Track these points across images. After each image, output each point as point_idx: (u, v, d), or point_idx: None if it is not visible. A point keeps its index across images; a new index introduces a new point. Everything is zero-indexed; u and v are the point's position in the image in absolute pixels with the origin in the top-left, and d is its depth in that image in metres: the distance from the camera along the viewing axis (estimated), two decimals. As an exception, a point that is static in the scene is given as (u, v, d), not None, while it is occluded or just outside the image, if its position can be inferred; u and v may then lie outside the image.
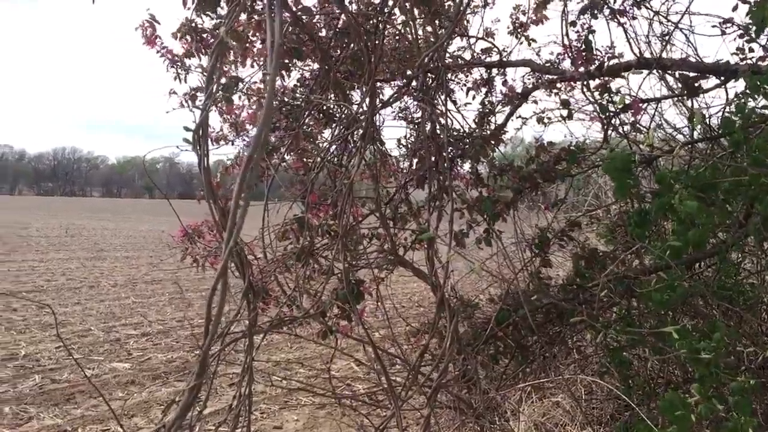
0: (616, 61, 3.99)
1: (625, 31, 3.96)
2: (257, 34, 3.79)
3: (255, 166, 0.92)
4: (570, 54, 3.86)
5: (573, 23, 3.79)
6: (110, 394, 6.09)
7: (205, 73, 4.19)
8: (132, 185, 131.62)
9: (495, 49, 4.40)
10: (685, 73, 3.72)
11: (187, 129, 1.60)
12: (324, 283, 2.60)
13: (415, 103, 4.04)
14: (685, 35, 4.08)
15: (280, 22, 0.82)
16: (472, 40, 4.38)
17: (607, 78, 3.73)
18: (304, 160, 3.17)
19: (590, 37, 3.78)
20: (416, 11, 3.00)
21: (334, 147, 3.05)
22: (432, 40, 3.65)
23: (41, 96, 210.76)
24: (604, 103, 3.65)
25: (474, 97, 4.60)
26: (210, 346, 1.03)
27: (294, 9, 2.71)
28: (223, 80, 4.36)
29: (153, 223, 36.89)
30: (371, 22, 2.91)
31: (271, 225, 2.92)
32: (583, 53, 3.71)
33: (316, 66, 4.09)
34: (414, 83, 3.69)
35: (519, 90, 4.39)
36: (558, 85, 4.25)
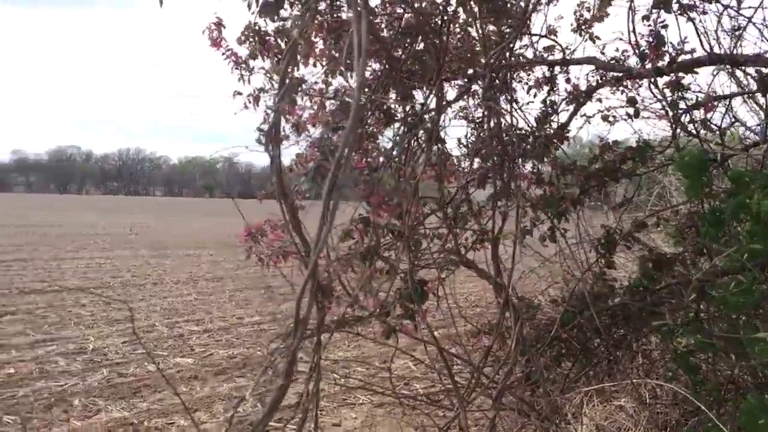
0: (686, 57, 3.87)
1: (695, 27, 3.84)
2: (319, 34, 3.83)
3: (345, 166, 0.92)
4: (637, 50, 3.77)
5: (646, 17, 3.69)
6: (174, 389, 6.25)
7: (268, 75, 4.28)
8: (192, 185, 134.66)
9: (558, 47, 4.33)
10: (760, 69, 3.59)
11: (259, 130, 1.63)
12: (390, 282, 2.60)
13: (476, 102, 4.02)
14: (759, 30, 3.93)
15: (366, 23, 0.82)
16: (535, 38, 4.32)
17: (677, 74, 3.62)
18: (367, 159, 3.18)
19: (662, 32, 3.68)
20: (479, 10, 2.97)
21: (397, 147, 3.05)
22: (494, 38, 3.62)
23: (108, 98, 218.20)
24: (675, 99, 3.54)
25: (535, 96, 4.54)
26: (298, 346, 1.04)
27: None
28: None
29: (213, 222, 37.67)
30: (436, 20, 2.91)
31: (334, 225, 2.94)
32: (655, 49, 3.61)
33: (376, 66, 4.11)
34: (477, 82, 3.67)
35: (583, 88, 4.31)
36: (624, 82, 4.16)
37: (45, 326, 8.69)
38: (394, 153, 2.94)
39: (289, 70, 1.30)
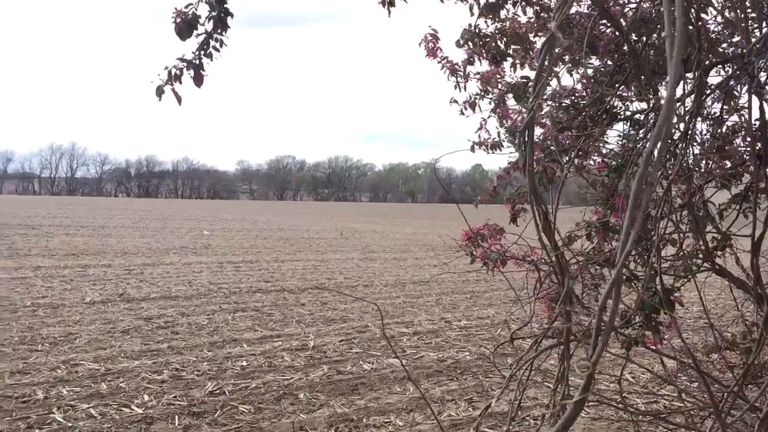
0: None
1: None
2: (539, 34, 3.73)
3: (655, 163, 0.85)
4: None
5: None
6: (389, 388, 6.43)
7: (484, 80, 4.25)
8: (396, 190, 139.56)
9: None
10: None
11: (513, 131, 1.59)
12: (640, 291, 2.44)
13: (715, 95, 3.67)
14: None
15: (681, 10, 0.74)
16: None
17: None
18: (606, 160, 3.03)
19: None
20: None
21: (638, 146, 2.86)
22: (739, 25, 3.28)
23: (318, 109, 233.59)
24: None
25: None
26: (598, 360, 0.98)
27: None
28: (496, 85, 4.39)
29: (416, 226, 38.68)
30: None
31: (559, 230, 2.82)
32: None
33: (596, 62, 3.91)
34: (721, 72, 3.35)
35: None
36: None
37: (270, 323, 9.40)
38: (634, 152, 2.75)
39: (547, 65, 1.23)
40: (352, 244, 24.16)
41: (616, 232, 2.54)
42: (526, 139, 1.55)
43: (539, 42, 3.92)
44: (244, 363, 7.15)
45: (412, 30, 4.56)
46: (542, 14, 3.36)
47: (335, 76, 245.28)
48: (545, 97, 4.10)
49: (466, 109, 4.35)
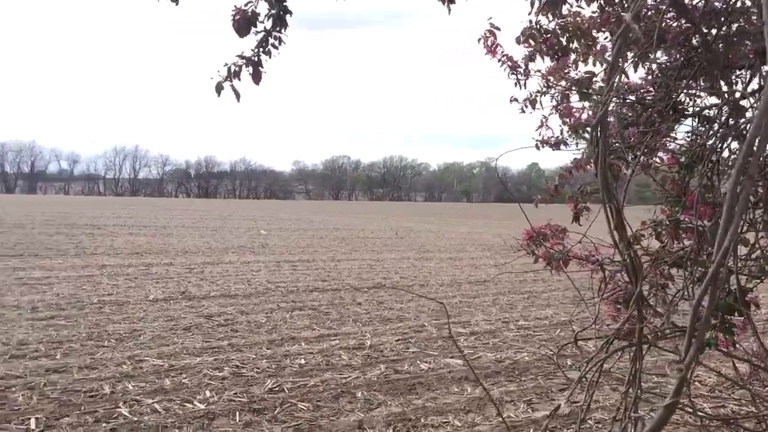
0: None
1: None
2: (603, 28, 3.64)
3: (755, 156, 0.81)
4: None
5: None
6: (446, 388, 6.39)
7: (545, 77, 4.18)
8: (450, 190, 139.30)
9: None
10: None
11: (585, 127, 1.55)
12: (719, 290, 2.35)
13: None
14: None
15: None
16: None
17: None
18: (675, 155, 2.94)
19: None
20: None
21: (711, 141, 2.76)
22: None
23: (372, 109, 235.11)
24: None
25: None
26: (692, 361, 0.94)
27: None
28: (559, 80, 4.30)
29: (471, 226, 38.45)
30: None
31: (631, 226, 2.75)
32: None
33: (663, 57, 3.80)
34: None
35: None
36: None
37: (328, 322, 9.46)
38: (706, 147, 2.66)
39: (621, 57, 1.19)
40: (407, 244, 24.17)
41: (687, 231, 2.46)
42: (599, 134, 1.51)
43: (602, 37, 3.83)
44: (303, 361, 7.21)
45: (468, 29, 4.52)
46: (606, 8, 3.28)
47: (389, 75, 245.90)
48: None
49: (526, 107, 4.28)
